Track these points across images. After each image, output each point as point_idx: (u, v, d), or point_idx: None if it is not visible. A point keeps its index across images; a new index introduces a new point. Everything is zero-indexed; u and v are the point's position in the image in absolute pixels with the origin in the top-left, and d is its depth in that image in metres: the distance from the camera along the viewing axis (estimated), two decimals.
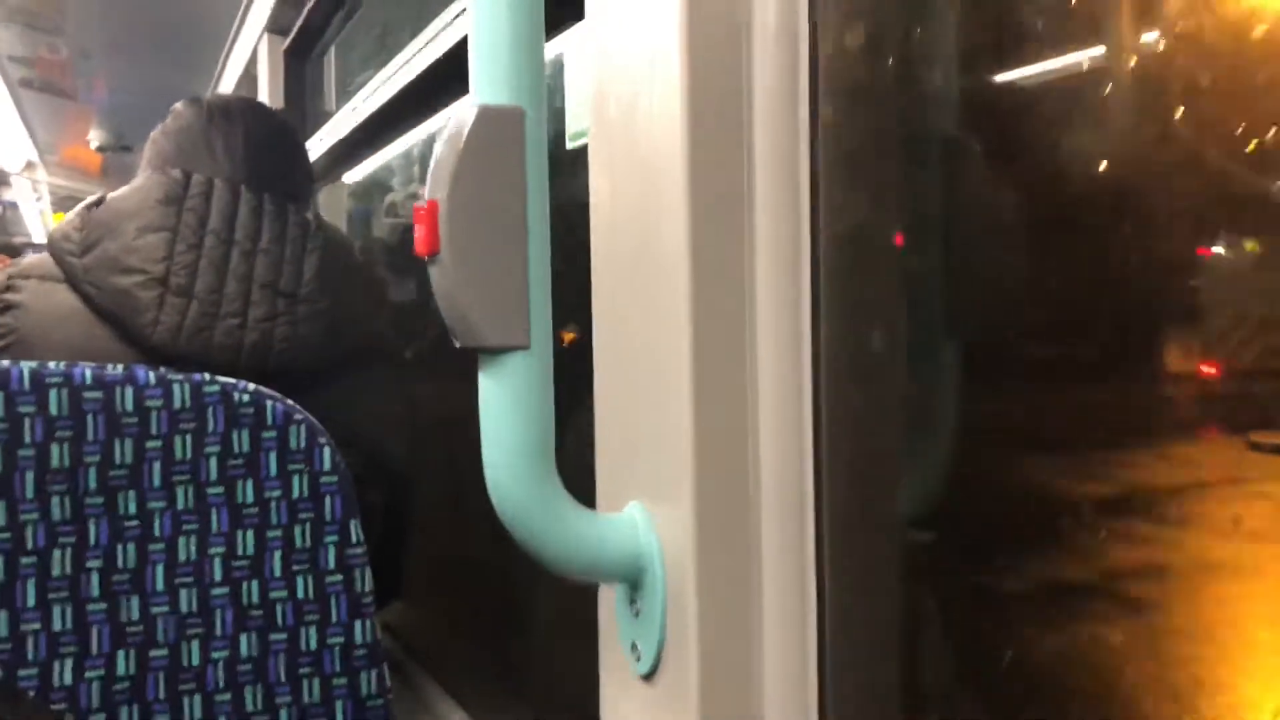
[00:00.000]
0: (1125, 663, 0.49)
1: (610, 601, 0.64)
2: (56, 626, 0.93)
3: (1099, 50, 0.50)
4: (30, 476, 0.93)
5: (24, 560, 0.93)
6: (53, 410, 0.94)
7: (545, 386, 0.57)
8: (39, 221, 9.26)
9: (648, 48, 0.59)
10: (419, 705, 1.41)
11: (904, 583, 0.59)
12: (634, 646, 0.60)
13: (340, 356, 1.27)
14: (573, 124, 0.98)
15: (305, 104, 2.42)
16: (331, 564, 1.00)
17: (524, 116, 0.56)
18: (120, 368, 0.98)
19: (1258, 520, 0.43)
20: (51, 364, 0.96)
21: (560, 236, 0.60)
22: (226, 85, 3.04)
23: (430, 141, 1.79)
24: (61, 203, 7.95)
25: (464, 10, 1.23)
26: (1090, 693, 0.51)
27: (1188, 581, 0.48)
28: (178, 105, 1.38)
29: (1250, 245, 0.44)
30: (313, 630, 1.00)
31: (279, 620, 0.99)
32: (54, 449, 0.94)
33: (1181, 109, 0.46)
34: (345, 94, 2.24)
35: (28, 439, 0.93)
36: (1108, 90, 0.50)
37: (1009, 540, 0.55)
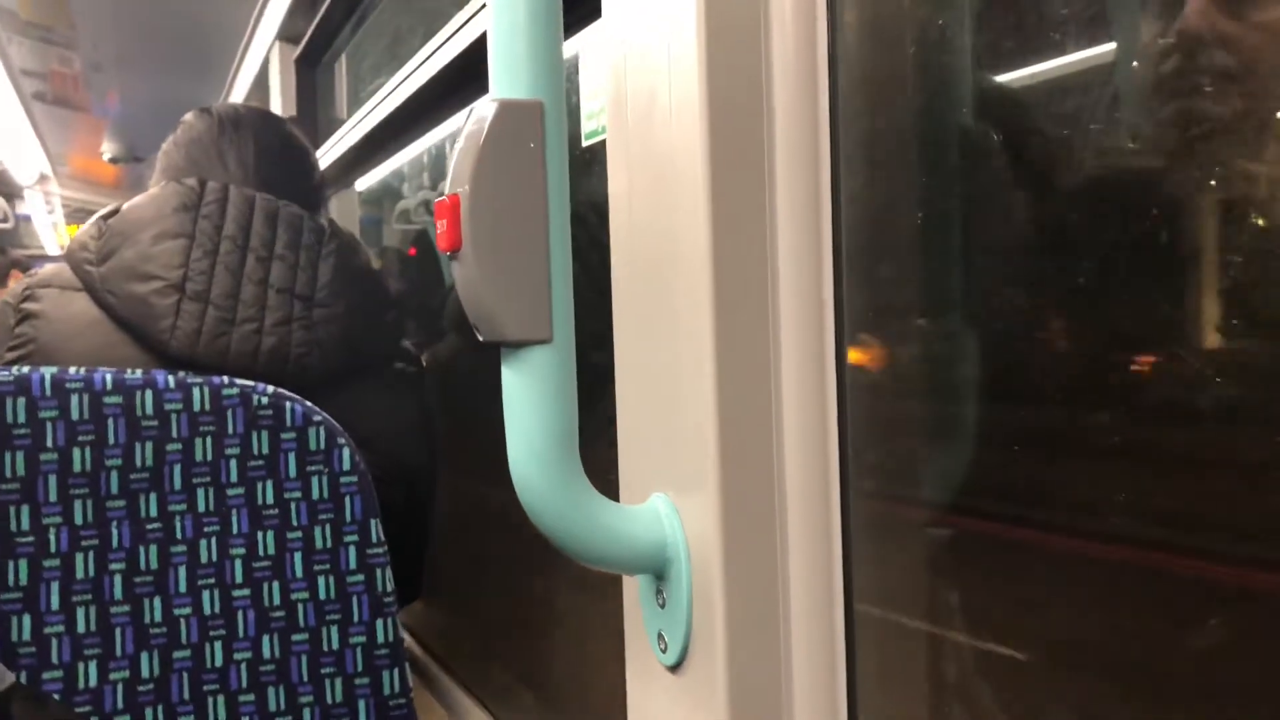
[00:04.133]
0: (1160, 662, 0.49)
1: (635, 593, 0.64)
2: (80, 629, 0.94)
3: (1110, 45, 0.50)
4: (53, 481, 0.94)
5: (47, 564, 0.94)
6: (74, 415, 0.95)
7: (569, 379, 0.57)
8: (52, 234, 9.31)
9: (666, 43, 0.60)
10: (440, 704, 1.41)
11: (930, 571, 0.59)
12: (660, 637, 0.60)
13: (357, 359, 1.27)
14: (587, 124, 0.98)
15: (317, 111, 2.44)
16: (353, 564, 1.00)
17: (543, 110, 0.56)
18: (139, 372, 0.98)
19: None
20: (72, 369, 0.96)
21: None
22: (238, 94, 3.06)
23: (440, 149, 1.80)
24: (74, 215, 7.99)
25: (471, 17, 1.24)
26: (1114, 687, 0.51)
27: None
28: (188, 116, 1.38)
29: None
30: (334, 630, 1.00)
31: (301, 621, 0.99)
32: (75, 453, 0.95)
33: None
34: (357, 101, 2.25)
35: (49, 443, 0.94)
36: (1124, 86, 0.50)
37: (1031, 527, 0.55)
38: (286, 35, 2.42)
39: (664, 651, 0.60)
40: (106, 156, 5.42)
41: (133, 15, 2.93)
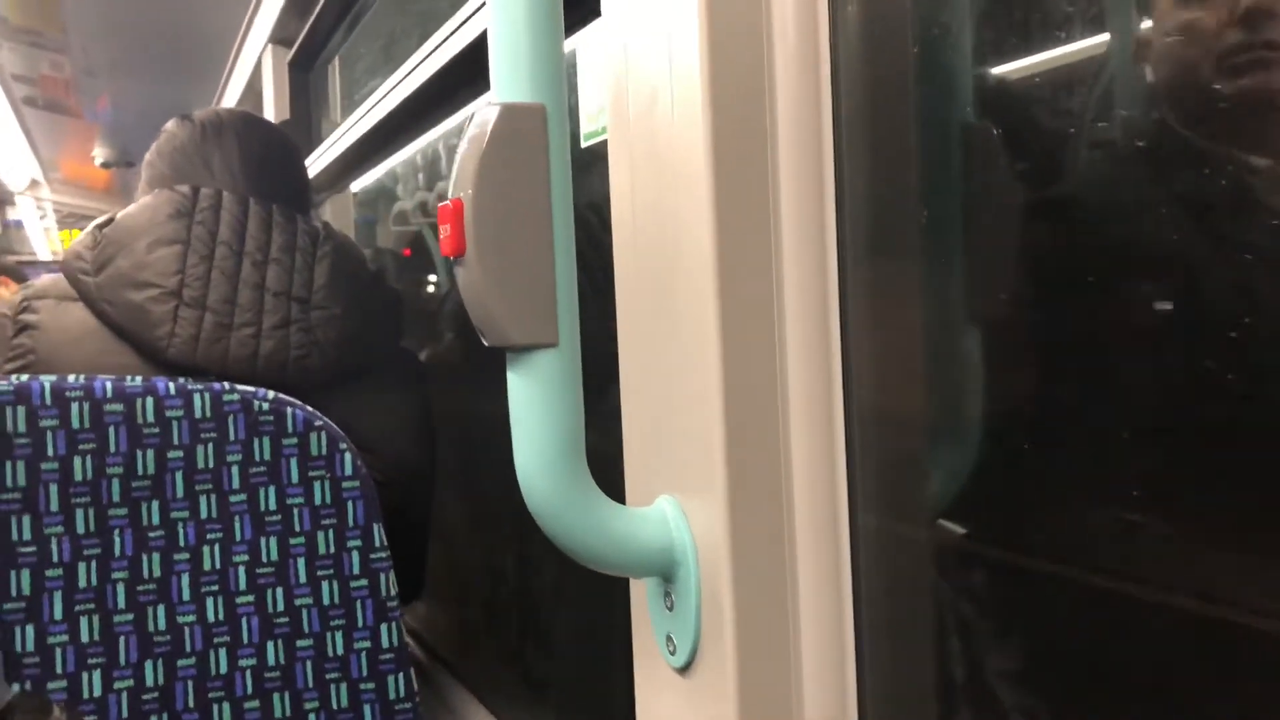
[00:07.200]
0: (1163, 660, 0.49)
1: (643, 595, 0.64)
2: (84, 638, 0.94)
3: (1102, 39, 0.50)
4: (54, 490, 0.94)
5: (50, 573, 0.93)
6: (74, 423, 0.95)
7: (575, 383, 0.57)
8: (44, 240, 9.29)
9: (667, 41, 0.59)
10: (445, 708, 1.41)
11: (939, 571, 0.59)
12: (669, 639, 0.60)
13: (355, 362, 1.27)
14: (586, 124, 0.98)
15: (310, 115, 2.43)
16: (356, 569, 1.00)
17: (546, 113, 0.56)
18: (140, 380, 0.98)
19: None
20: (71, 377, 0.96)
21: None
22: (231, 98, 3.05)
23: (434, 151, 1.79)
24: (66, 220, 7.98)
25: (467, 19, 1.23)
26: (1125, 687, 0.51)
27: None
28: (169, 125, 1.38)
29: None
30: (339, 636, 1.00)
31: (305, 627, 0.99)
32: (77, 462, 0.95)
33: None
34: (351, 104, 2.24)
35: (50, 452, 0.94)
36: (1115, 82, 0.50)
37: (1044, 528, 0.55)
38: (279, 38, 2.41)
39: (672, 654, 0.60)
40: (99, 160, 5.41)
41: (124, 20, 2.93)
